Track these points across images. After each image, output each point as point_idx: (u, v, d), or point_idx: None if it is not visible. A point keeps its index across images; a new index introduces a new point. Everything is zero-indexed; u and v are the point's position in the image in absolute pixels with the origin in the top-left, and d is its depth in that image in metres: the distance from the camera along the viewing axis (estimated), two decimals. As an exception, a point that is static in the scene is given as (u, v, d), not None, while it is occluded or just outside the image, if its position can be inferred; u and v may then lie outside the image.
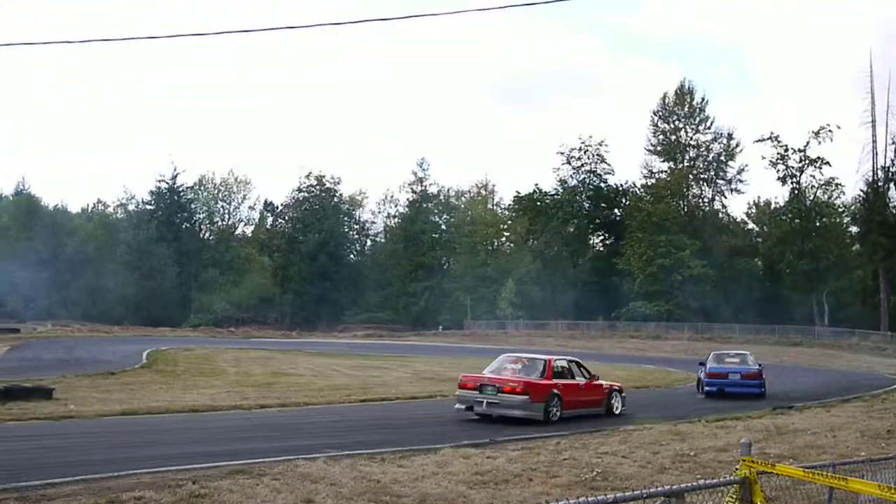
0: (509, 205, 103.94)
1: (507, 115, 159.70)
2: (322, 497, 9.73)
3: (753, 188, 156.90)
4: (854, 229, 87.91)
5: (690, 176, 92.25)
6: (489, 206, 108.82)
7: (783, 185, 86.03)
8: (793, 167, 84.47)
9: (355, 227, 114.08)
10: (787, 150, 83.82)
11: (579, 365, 21.87)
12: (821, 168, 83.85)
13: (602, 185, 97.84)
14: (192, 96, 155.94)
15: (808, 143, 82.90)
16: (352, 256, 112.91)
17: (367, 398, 24.49)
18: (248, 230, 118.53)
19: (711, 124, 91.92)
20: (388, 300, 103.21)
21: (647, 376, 37.68)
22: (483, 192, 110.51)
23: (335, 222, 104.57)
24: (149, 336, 64.96)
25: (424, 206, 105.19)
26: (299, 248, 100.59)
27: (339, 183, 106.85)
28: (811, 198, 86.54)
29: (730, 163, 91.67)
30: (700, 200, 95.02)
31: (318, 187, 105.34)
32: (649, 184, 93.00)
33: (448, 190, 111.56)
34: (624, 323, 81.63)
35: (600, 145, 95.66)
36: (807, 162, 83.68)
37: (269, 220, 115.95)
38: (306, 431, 17.01)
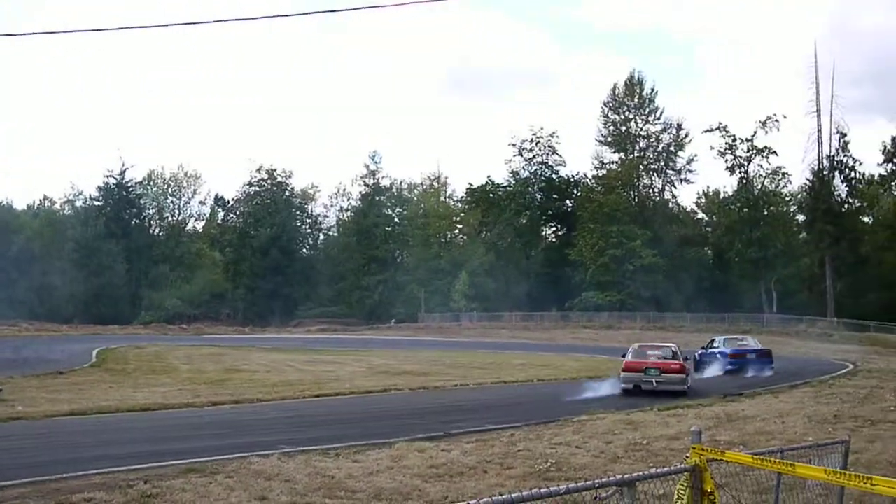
0: (462, 197, 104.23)
1: (459, 107, 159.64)
2: (276, 494, 9.68)
3: (702, 178, 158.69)
4: (801, 218, 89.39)
5: (641, 166, 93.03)
6: (442, 198, 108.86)
7: (731, 174, 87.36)
8: (740, 157, 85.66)
9: (307, 220, 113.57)
10: (734, 140, 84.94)
11: None
12: (768, 157, 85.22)
13: (554, 176, 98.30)
14: (139, 90, 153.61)
15: (755, 132, 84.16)
16: (304, 250, 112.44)
17: (321, 393, 24.39)
18: (199, 225, 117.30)
19: (661, 115, 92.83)
20: (342, 294, 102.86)
21: (601, 366, 37.95)
22: (435, 184, 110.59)
23: (287, 216, 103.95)
24: (99, 334, 64.14)
25: (377, 199, 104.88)
26: (251, 242, 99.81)
27: (290, 177, 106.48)
28: (759, 187, 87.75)
29: (679, 153, 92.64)
30: (650, 191, 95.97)
31: (269, 181, 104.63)
32: (600, 174, 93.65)
33: (400, 183, 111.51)
34: (577, 313, 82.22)
35: (552, 137, 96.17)
36: (754, 151, 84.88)
37: (220, 214, 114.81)
38: (260, 428, 16.89)
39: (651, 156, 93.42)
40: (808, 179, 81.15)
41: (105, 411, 19.18)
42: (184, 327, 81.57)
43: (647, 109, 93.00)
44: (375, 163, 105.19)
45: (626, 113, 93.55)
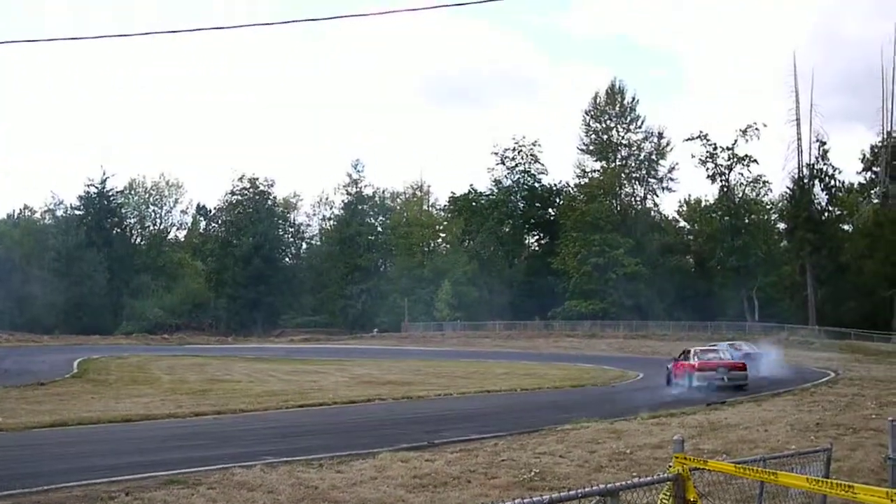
0: (444, 206, 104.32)
1: (441, 116, 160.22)
2: (259, 505, 9.63)
3: (684, 186, 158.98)
4: (781, 226, 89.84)
5: (623, 175, 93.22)
6: (424, 207, 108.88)
7: (713, 182, 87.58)
8: (721, 165, 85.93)
9: (290, 229, 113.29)
10: (715, 149, 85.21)
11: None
12: (748, 166, 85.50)
13: (536, 185, 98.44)
14: (120, 99, 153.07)
15: (735, 141, 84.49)
16: (287, 259, 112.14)
17: (304, 403, 24.33)
18: (181, 234, 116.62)
19: (642, 123, 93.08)
20: (325, 303, 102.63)
21: (584, 375, 38.10)
22: (418, 193, 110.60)
23: (269, 225, 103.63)
24: (80, 345, 63.77)
25: (360, 207, 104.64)
26: (233, 251, 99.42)
27: (272, 185, 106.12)
28: (740, 195, 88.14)
29: (661, 161, 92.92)
30: (632, 199, 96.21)
31: (251, 190, 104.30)
32: (582, 183, 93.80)
33: (383, 191, 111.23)
34: (560, 322, 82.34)
35: (534, 145, 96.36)
36: (735, 160, 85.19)
37: (202, 223, 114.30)
38: (243, 438, 16.82)
39: (633, 164, 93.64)
40: (788, 188, 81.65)
41: (87, 422, 19.05)
42: (166, 337, 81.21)
43: (629, 118, 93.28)
44: (358, 171, 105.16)
45: (608, 121, 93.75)
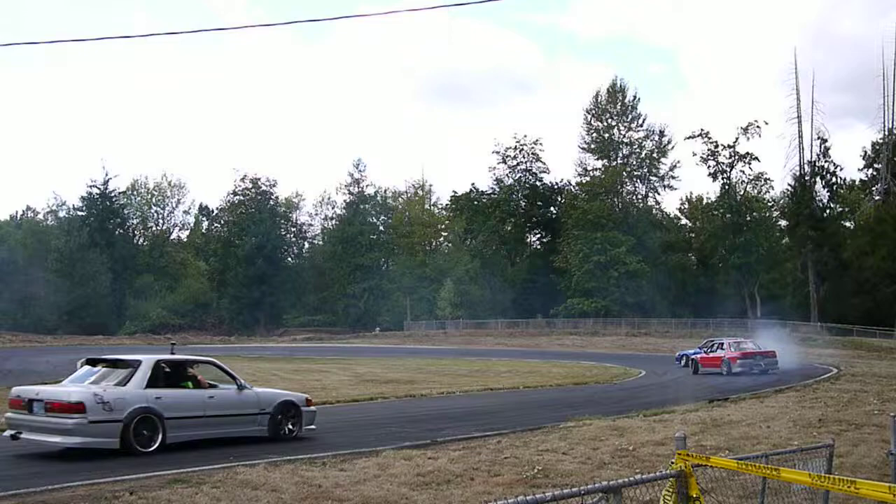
0: (446, 205, 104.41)
1: (443, 115, 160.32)
2: (263, 504, 9.66)
3: (685, 184, 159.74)
4: (783, 223, 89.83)
5: (624, 173, 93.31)
6: (426, 206, 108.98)
7: (714, 180, 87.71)
8: (723, 163, 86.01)
9: (292, 229, 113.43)
10: (717, 147, 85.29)
11: None
12: (750, 163, 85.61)
13: (538, 183, 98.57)
14: (122, 100, 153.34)
15: (737, 139, 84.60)
16: (289, 259, 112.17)
17: (307, 402, 24.26)
18: (184, 235, 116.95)
19: (643, 122, 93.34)
20: (328, 302, 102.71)
21: (587, 373, 38.09)
22: (420, 192, 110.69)
23: (272, 225, 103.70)
24: (84, 345, 63.80)
25: (362, 207, 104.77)
26: (236, 251, 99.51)
27: (274, 185, 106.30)
28: (741, 193, 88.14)
29: (662, 160, 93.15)
30: (634, 197, 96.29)
31: (253, 190, 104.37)
32: (584, 181, 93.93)
33: (385, 191, 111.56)
34: (562, 320, 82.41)
35: (535, 144, 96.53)
36: (736, 157, 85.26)
37: (205, 224, 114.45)
38: (245, 438, 16.82)
39: (634, 162, 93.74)
40: (789, 185, 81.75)
41: (90, 422, 19.00)
42: (169, 337, 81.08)
43: (630, 116, 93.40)
44: (360, 171, 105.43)
45: (609, 120, 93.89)
